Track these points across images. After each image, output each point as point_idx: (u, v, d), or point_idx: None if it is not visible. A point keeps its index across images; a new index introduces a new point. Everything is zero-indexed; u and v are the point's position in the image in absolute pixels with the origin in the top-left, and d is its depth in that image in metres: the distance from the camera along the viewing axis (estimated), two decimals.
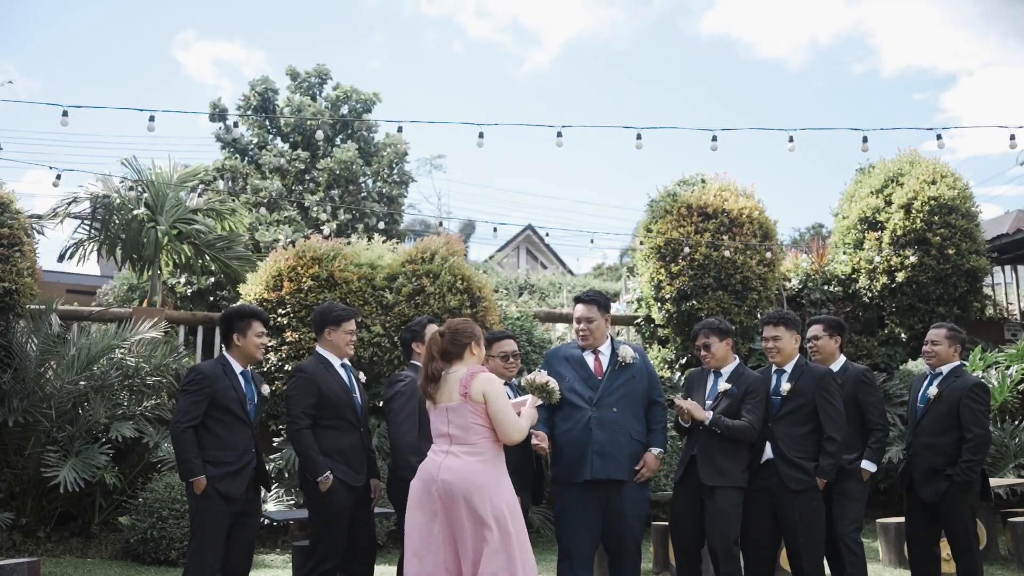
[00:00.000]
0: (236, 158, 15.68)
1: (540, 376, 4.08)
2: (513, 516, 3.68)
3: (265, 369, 8.04)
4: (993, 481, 7.09)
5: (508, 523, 3.64)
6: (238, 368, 4.47)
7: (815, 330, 5.15)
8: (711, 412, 4.65)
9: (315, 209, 14.25)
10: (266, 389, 4.66)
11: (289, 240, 12.59)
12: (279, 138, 16.15)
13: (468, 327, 3.96)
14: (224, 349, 4.55)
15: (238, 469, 4.30)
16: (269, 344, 8.06)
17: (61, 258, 10.18)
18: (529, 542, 3.77)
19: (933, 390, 5.04)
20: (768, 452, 4.77)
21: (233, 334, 4.48)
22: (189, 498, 4.34)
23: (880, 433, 4.91)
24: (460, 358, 3.88)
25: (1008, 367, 8.35)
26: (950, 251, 9.37)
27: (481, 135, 6.89)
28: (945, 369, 5.09)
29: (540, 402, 4.08)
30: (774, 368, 4.96)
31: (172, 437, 4.28)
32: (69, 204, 9.72)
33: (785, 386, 4.82)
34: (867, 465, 4.87)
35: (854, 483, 4.86)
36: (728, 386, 4.75)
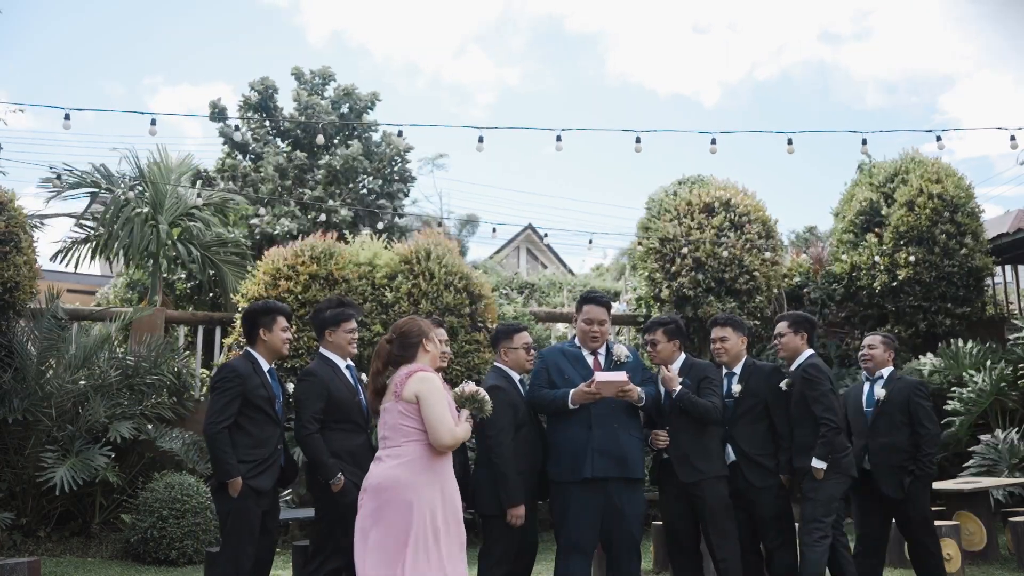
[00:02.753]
0: (236, 157, 15.68)
1: (469, 387, 3.87)
2: (431, 524, 3.45)
3: None
4: (990, 481, 7.09)
5: (420, 530, 3.42)
6: (265, 365, 4.42)
7: (780, 327, 5.09)
8: (680, 387, 4.66)
9: (318, 206, 14.24)
10: (289, 387, 4.61)
11: (287, 232, 12.61)
12: (279, 137, 16.14)
13: (414, 325, 3.80)
14: (249, 346, 4.49)
15: (268, 464, 4.28)
16: None
17: (58, 257, 10.19)
18: (455, 553, 3.53)
19: (880, 392, 5.29)
20: (730, 454, 4.85)
21: (259, 330, 4.42)
22: (218, 500, 4.27)
23: (826, 428, 4.64)
24: (413, 359, 3.72)
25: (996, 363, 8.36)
26: (959, 249, 9.37)
27: (481, 139, 6.90)
28: (885, 372, 5.38)
29: (469, 414, 3.82)
30: (724, 371, 5.02)
31: (207, 438, 4.21)
32: (64, 186, 9.71)
33: (736, 387, 4.90)
34: (816, 463, 4.63)
35: (808, 483, 4.69)
36: (680, 379, 4.75)
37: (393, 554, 3.41)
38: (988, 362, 8.37)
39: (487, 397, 3.86)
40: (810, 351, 4.98)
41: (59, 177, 8.60)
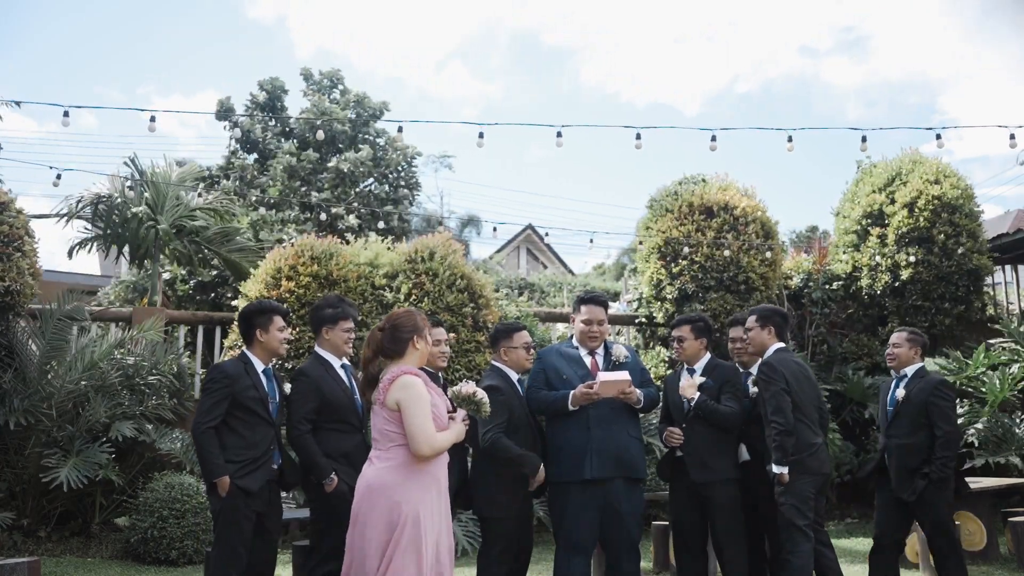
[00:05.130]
0: (244, 157, 15.68)
1: (467, 387, 3.78)
2: (413, 530, 3.39)
3: None
4: (990, 481, 7.09)
5: (407, 533, 3.37)
6: (260, 366, 4.41)
7: (748, 321, 4.98)
8: (699, 394, 4.67)
9: (323, 208, 14.24)
10: (287, 387, 4.61)
11: (292, 240, 12.63)
12: (287, 139, 16.12)
13: (410, 320, 3.71)
14: (245, 346, 4.49)
15: (259, 465, 4.28)
16: None
17: (70, 254, 10.34)
18: (443, 556, 3.48)
19: (900, 392, 5.12)
20: (744, 453, 4.84)
21: (255, 330, 4.42)
22: (211, 499, 4.29)
23: (773, 431, 4.52)
24: (401, 355, 3.64)
25: (1008, 365, 8.33)
26: (957, 249, 9.37)
27: (481, 135, 6.87)
28: (909, 371, 5.18)
29: (467, 414, 3.77)
30: (741, 371, 5.01)
31: (194, 438, 4.23)
32: (79, 204, 9.79)
33: (753, 389, 4.86)
34: (776, 469, 4.51)
35: (777, 487, 4.57)
36: (703, 379, 4.77)
37: (377, 555, 3.39)
38: (1003, 359, 8.36)
39: (485, 398, 3.79)
40: (778, 345, 4.84)
41: (59, 176, 8.61)
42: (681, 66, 65.08)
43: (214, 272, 11.64)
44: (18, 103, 7.09)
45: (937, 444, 4.92)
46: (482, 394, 3.78)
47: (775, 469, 4.50)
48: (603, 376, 4.41)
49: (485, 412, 3.81)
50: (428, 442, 3.45)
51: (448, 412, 3.72)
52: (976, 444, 7.69)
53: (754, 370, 4.91)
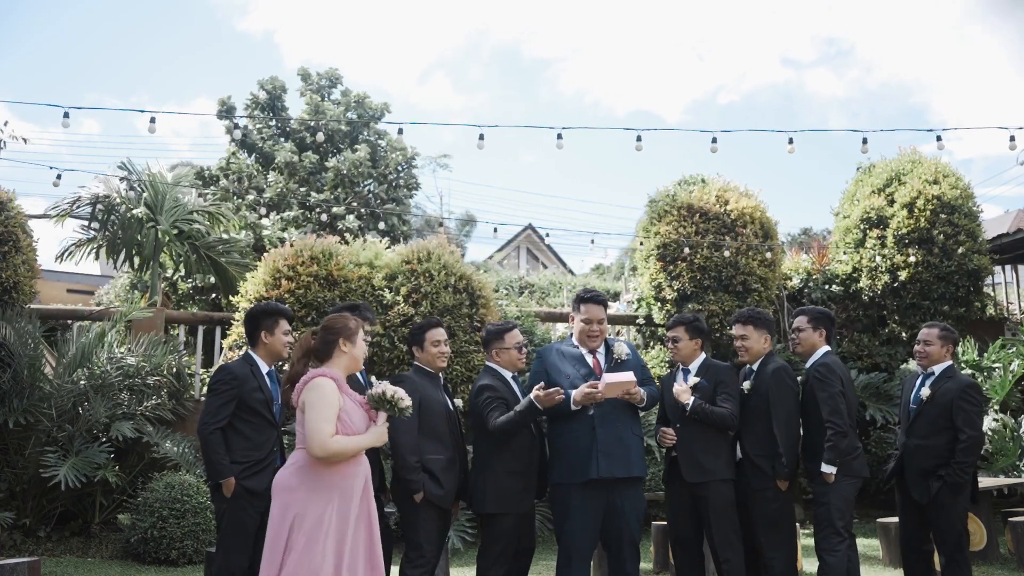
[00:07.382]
0: (243, 156, 15.66)
1: (387, 389, 3.61)
2: (303, 530, 3.33)
3: None
4: (990, 481, 7.08)
5: (291, 534, 3.34)
6: (264, 367, 4.44)
7: (799, 321, 4.99)
8: (693, 398, 4.65)
9: (324, 208, 14.21)
10: None
11: (293, 239, 12.61)
12: (287, 139, 16.11)
13: (338, 322, 3.67)
14: (250, 347, 4.51)
15: (264, 466, 4.29)
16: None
17: (59, 258, 10.21)
18: (320, 565, 3.33)
19: (926, 391, 4.97)
20: (739, 451, 4.83)
21: (260, 331, 4.44)
22: (216, 500, 4.32)
23: (831, 431, 4.57)
24: (329, 357, 3.60)
25: (1010, 363, 8.34)
26: (958, 250, 9.38)
27: (481, 136, 6.87)
28: (937, 369, 5.02)
29: (387, 416, 3.64)
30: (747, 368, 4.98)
31: (201, 438, 4.26)
32: (74, 204, 9.74)
33: (745, 385, 4.85)
34: (825, 468, 4.57)
35: (819, 486, 4.66)
36: (697, 379, 4.76)
37: (273, 558, 3.37)
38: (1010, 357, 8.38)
39: (402, 396, 3.62)
40: (826, 348, 4.88)
41: (59, 177, 8.62)
42: (662, 75, 65.76)
43: (211, 275, 11.63)
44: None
45: (958, 448, 4.78)
46: (399, 393, 3.61)
47: (825, 468, 4.56)
48: (608, 378, 4.39)
49: (404, 412, 3.63)
50: (320, 443, 3.34)
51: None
52: (990, 450, 7.67)
53: (755, 367, 4.90)
